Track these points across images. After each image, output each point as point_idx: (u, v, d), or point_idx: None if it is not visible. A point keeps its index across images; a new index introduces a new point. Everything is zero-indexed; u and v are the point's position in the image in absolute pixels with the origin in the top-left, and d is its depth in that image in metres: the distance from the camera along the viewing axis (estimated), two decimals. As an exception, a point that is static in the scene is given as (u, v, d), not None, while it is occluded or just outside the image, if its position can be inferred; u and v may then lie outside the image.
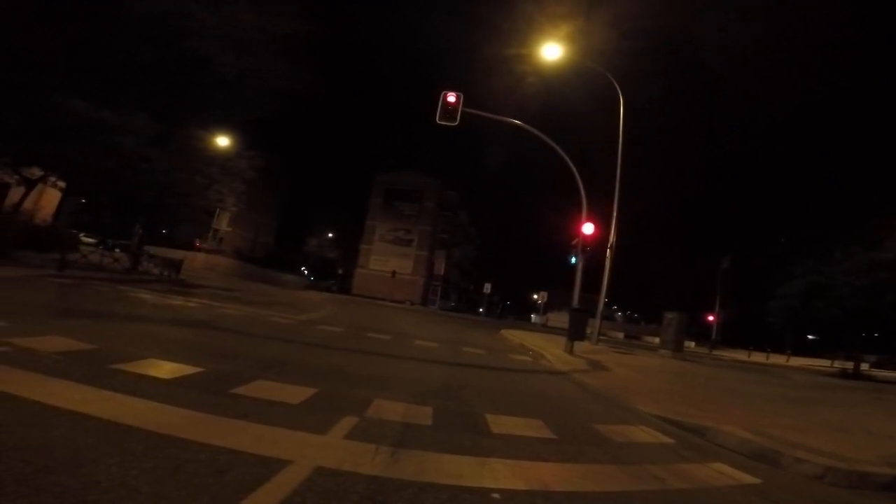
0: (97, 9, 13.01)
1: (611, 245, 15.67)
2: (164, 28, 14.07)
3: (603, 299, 16.08)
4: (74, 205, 22.71)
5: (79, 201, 23.13)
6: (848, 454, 3.96)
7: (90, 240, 22.81)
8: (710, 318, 43.12)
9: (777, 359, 36.81)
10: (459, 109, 13.66)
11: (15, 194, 17.29)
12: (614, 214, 16.09)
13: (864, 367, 23.74)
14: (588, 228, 13.31)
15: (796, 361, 35.52)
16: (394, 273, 61.13)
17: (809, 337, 40.13)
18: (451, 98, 13.68)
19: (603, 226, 15.13)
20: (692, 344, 38.66)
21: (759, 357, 37.41)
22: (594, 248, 13.98)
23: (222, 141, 20.05)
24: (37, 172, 16.40)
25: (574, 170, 14.15)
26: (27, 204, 17.21)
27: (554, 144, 14.11)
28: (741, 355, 37.41)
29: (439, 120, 13.68)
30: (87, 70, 13.56)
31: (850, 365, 24.72)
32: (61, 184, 18.31)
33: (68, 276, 11.11)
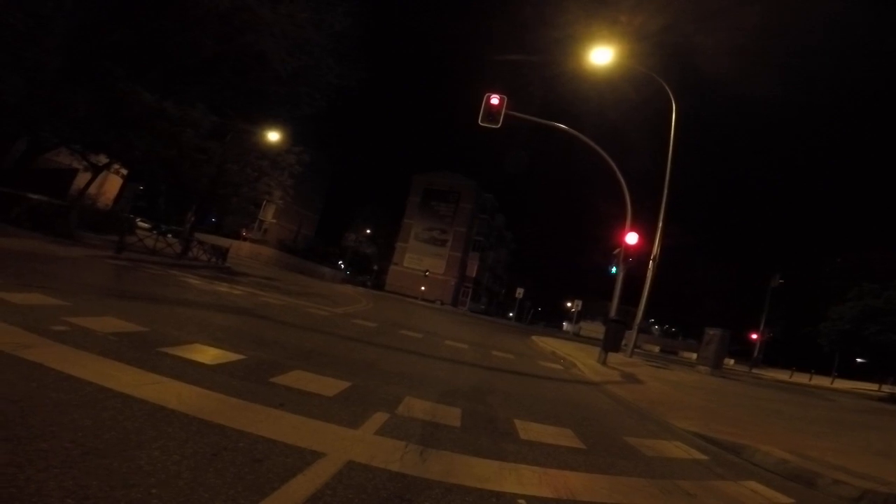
0: (167, 2, 13.72)
1: (654, 256, 15.20)
2: (226, 23, 14.67)
3: (641, 312, 15.64)
4: (134, 191, 24.09)
5: (137, 188, 24.51)
6: (889, 478, 3.78)
7: (145, 225, 24.05)
8: (754, 336, 41.21)
9: (821, 380, 34.96)
10: (503, 112, 13.59)
11: (82, 179, 18.47)
12: (660, 225, 15.60)
13: (916, 391, 22.35)
14: (632, 238, 12.96)
15: (842, 384, 33.66)
16: (426, 272, 61.52)
17: (858, 360, 37.79)
18: (495, 100, 13.63)
19: (646, 237, 14.71)
20: (731, 362, 37.19)
21: (801, 378, 35.66)
22: (636, 259, 13.60)
23: (273, 135, 20.77)
24: (103, 159, 17.46)
25: (620, 177, 13.81)
26: (92, 189, 18.37)
27: (600, 150, 13.82)
28: (783, 375, 35.73)
29: (482, 122, 13.65)
30: (153, 62, 14.34)
31: (899, 389, 23.25)
32: (124, 171, 19.45)
33: (124, 259, 11.76)
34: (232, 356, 4.22)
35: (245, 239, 53.64)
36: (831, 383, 34.04)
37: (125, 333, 4.17)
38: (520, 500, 2.39)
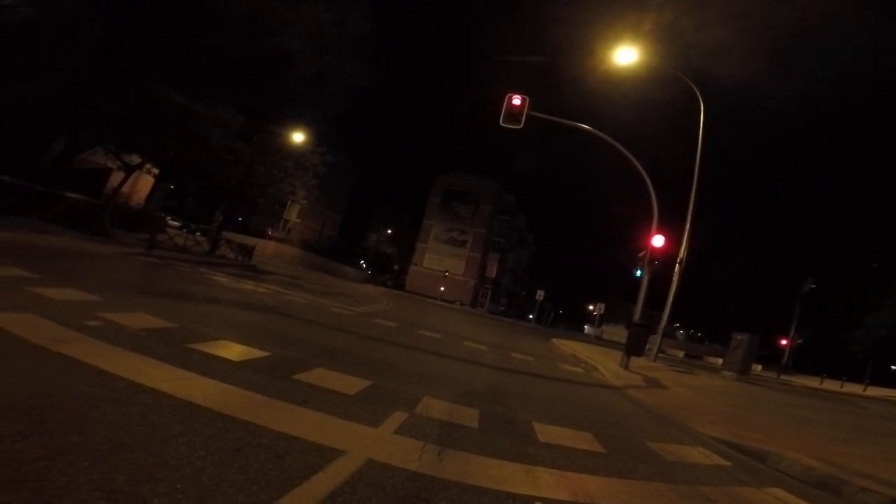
0: (197, 4, 14.08)
1: (681, 260, 14.87)
2: (253, 25, 14.98)
3: (667, 316, 15.34)
4: (164, 190, 24.82)
5: (168, 187, 25.25)
6: None
7: (175, 223, 24.76)
8: (783, 341, 40.00)
9: (852, 388, 33.69)
10: (525, 112, 13.50)
11: (115, 178, 19.11)
12: (687, 227, 15.24)
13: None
14: (658, 241, 12.71)
15: (874, 391, 32.39)
16: (446, 273, 61.58)
17: (893, 367, 36.26)
18: (517, 101, 13.55)
19: (673, 239, 14.39)
20: (759, 367, 36.14)
21: (832, 385, 34.45)
22: (662, 262, 13.34)
23: (297, 136, 21.12)
24: (136, 159, 18.03)
25: (646, 178, 13.54)
26: (125, 188, 18.99)
27: (625, 150, 13.59)
28: (812, 382, 34.59)
29: (503, 122, 13.58)
30: (183, 64, 14.73)
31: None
32: (155, 170, 20.04)
33: (155, 256, 12.12)
34: (257, 353, 4.32)
35: (270, 238, 54.60)
36: (864, 391, 32.78)
37: (155, 329, 4.32)
38: (536, 503, 2.39)
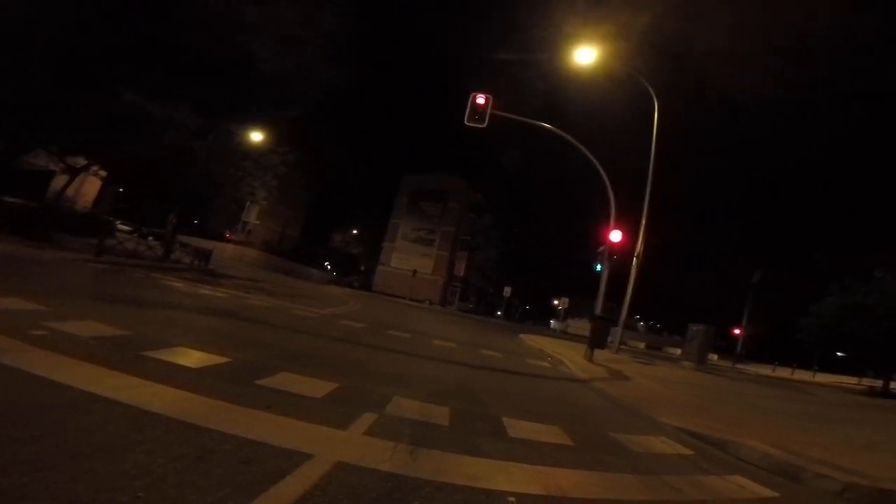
0: (154, 2, 13.45)
1: (637, 254, 15.38)
2: (215, 23, 14.43)
3: (626, 308, 15.83)
4: (114, 193, 23.62)
5: (117, 190, 24.04)
6: (871, 472, 3.86)
7: (126, 227, 23.62)
8: (736, 331, 41.96)
9: (803, 375, 35.81)
10: (488, 111, 13.64)
11: (59, 181, 18.06)
12: (643, 223, 15.79)
13: (894, 385, 23.09)
14: (615, 236, 13.11)
15: (823, 378, 34.52)
16: (414, 272, 61.45)
17: (838, 354, 38.70)
18: (481, 100, 13.67)
19: (631, 234, 14.88)
20: (715, 357, 37.86)
21: (783, 372, 36.51)
22: (620, 257, 13.77)
23: (256, 136, 20.52)
24: (81, 161, 17.08)
25: (604, 175, 13.94)
26: (69, 191, 17.96)
27: (584, 149, 13.94)
28: (765, 370, 36.55)
29: (468, 121, 13.69)
30: (137, 63, 14.04)
31: (879, 383, 23.88)
32: (103, 172, 19.03)
33: (104, 262, 11.52)
34: (217, 359, 4.16)
35: (229, 241, 52.97)
36: (813, 377, 34.87)
37: (107, 337, 4.09)
38: (510, 498, 2.39)
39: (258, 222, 63.93)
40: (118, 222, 23.73)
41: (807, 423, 7.15)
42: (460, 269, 68.69)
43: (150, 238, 17.99)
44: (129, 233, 17.93)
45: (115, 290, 8.04)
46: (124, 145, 14.15)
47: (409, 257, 64.50)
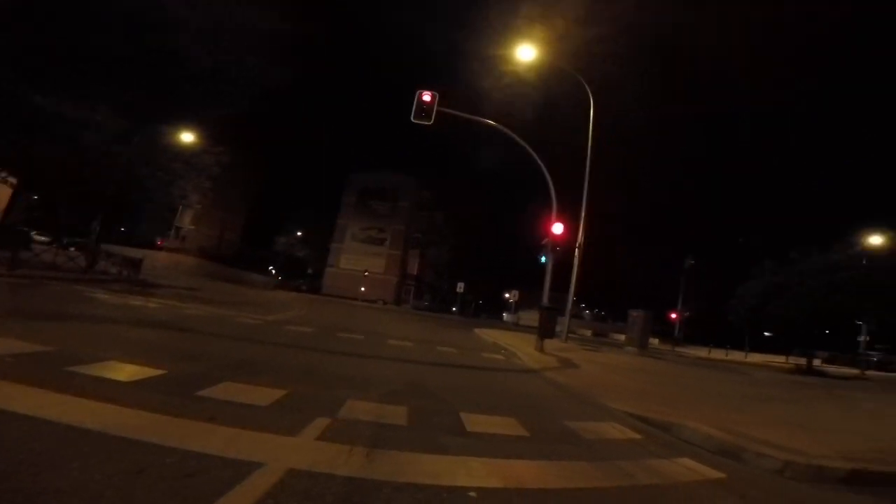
0: (67, 2, 12.40)
1: (579, 244, 15.93)
2: (135, 20, 13.49)
3: (571, 297, 16.36)
4: (27, 201, 21.55)
5: (31, 198, 21.97)
6: (806, 449, 4.10)
7: (43, 238, 21.66)
8: (673, 315, 44.44)
9: (736, 355, 38.45)
10: (434, 108, 13.64)
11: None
12: (582, 215, 16.38)
13: (817, 363, 24.92)
14: (557, 228, 13.52)
15: (754, 358, 37.17)
16: (366, 272, 60.58)
17: (766, 334, 41.93)
18: (427, 97, 13.65)
19: (572, 226, 15.38)
20: (656, 341, 39.92)
21: (719, 354, 39.02)
22: (563, 248, 14.21)
23: (187, 136, 19.38)
24: (-16, 169, 15.51)
25: (544, 169, 14.33)
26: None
27: (524, 144, 14.25)
28: (702, 352, 38.89)
29: (414, 118, 13.63)
30: (48, 63, 12.88)
31: (803, 361, 26.00)
32: (12, 179, 17.33)
33: (20, 276, 10.55)
34: (151, 371, 3.88)
35: (161, 248, 49.91)
36: (745, 357, 37.51)
37: (26, 354, 3.74)
38: (471, 493, 2.37)
39: (193, 227, 60.69)
40: (34, 233, 21.75)
41: (744, 403, 7.59)
42: (413, 268, 68.41)
43: (72, 249, 16.61)
44: (48, 244, 16.43)
45: (35, 304, 7.38)
46: (35, 149, 12.97)
47: (359, 258, 63.49)
